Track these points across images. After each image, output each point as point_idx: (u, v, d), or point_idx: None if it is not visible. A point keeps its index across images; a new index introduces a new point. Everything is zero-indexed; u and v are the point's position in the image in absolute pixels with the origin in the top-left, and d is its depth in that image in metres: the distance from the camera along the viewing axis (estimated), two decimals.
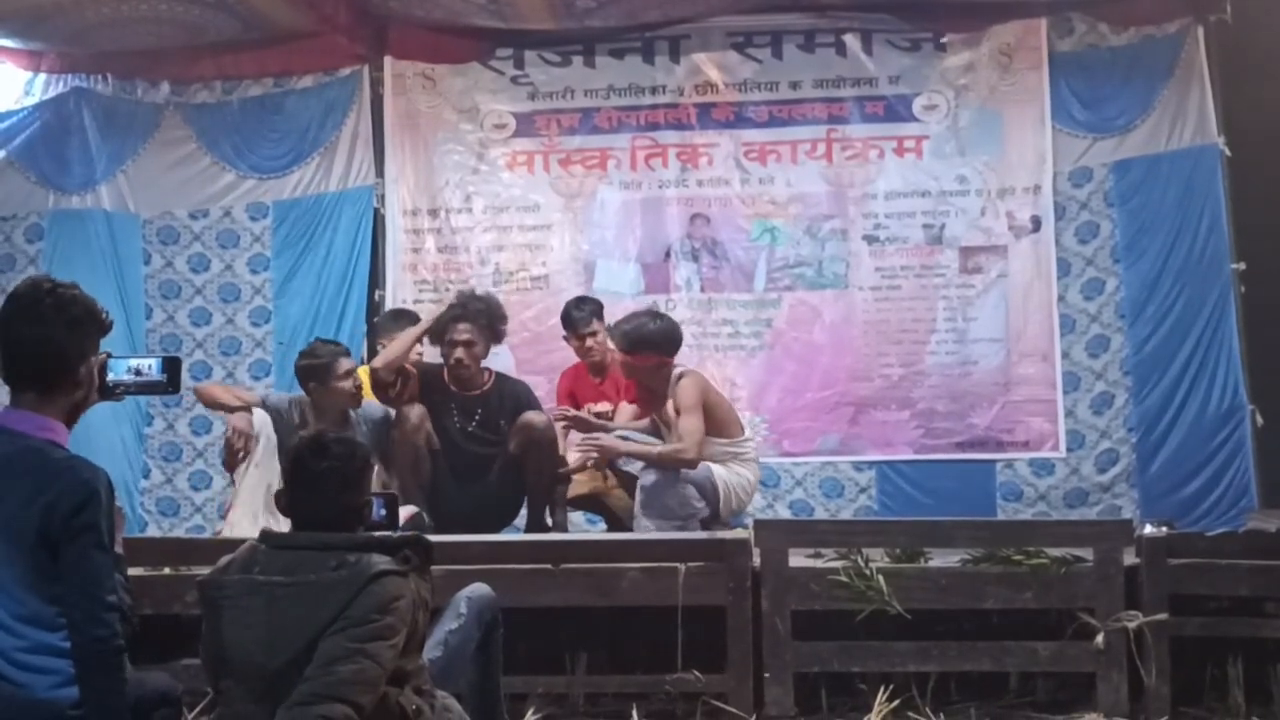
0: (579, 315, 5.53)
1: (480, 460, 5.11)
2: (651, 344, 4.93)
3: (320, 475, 2.75)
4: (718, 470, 4.90)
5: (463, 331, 5.09)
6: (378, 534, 2.82)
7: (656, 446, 4.90)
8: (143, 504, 6.53)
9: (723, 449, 4.94)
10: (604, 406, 5.49)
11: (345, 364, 5.03)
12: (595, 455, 4.97)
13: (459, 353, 5.08)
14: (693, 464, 4.79)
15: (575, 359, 5.71)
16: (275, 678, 2.57)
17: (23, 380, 2.56)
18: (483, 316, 5.16)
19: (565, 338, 5.65)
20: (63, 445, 2.54)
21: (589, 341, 5.50)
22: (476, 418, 5.13)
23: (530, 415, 5.09)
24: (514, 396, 5.21)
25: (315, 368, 4.99)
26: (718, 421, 4.93)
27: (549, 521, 5.20)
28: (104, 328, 2.61)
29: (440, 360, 5.23)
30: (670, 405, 4.93)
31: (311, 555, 2.66)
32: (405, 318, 5.78)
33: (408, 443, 5.00)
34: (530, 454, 5.05)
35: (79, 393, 2.57)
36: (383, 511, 3.01)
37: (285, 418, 5.03)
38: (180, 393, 3.96)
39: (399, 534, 2.87)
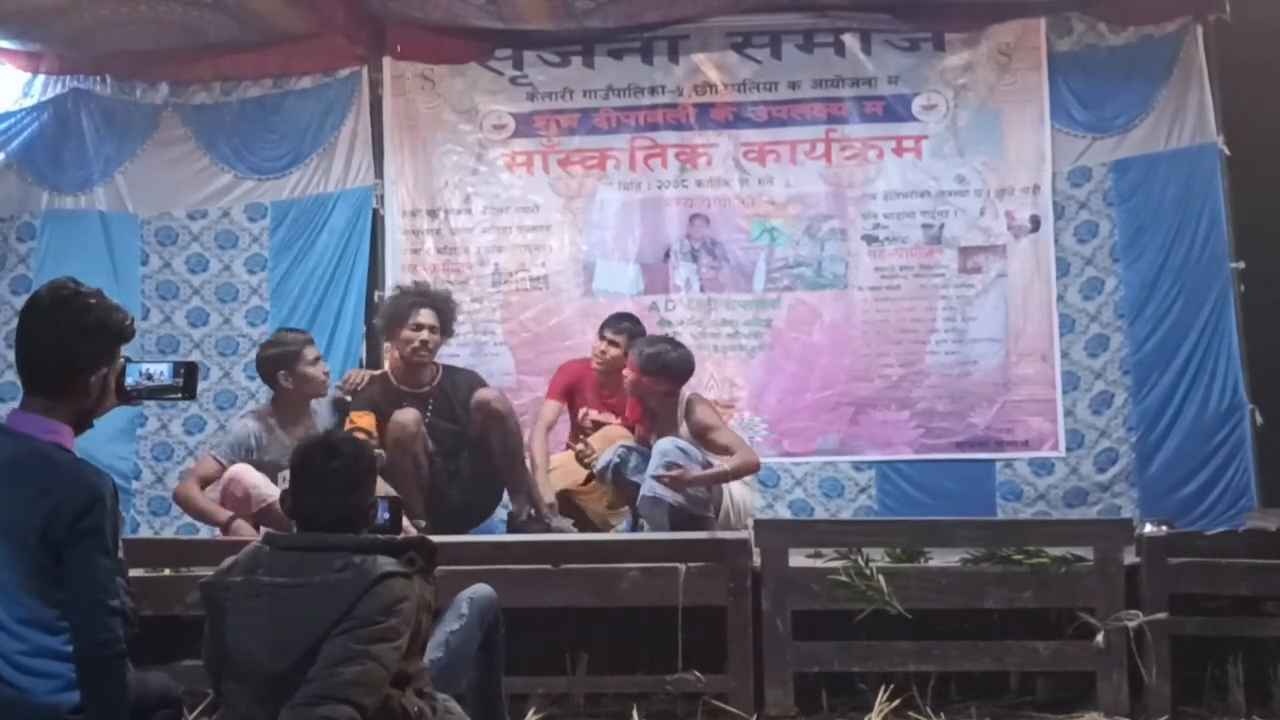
0: (614, 321, 5.55)
1: (446, 450, 5.09)
2: (668, 371, 5.03)
3: (329, 474, 2.75)
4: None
5: (427, 316, 5.09)
6: (382, 536, 2.82)
7: (723, 466, 4.89)
8: (134, 504, 6.51)
9: None
10: (607, 418, 5.45)
11: (312, 350, 5.07)
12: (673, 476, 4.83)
13: (423, 335, 5.07)
14: (757, 467, 5.03)
15: (577, 355, 5.71)
16: (279, 679, 2.57)
17: (33, 383, 2.57)
18: (444, 304, 5.18)
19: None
20: (69, 449, 2.53)
21: (604, 346, 5.48)
22: (429, 410, 5.11)
23: (484, 392, 5.11)
24: (466, 383, 5.24)
25: (286, 355, 5.01)
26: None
27: (531, 506, 5.16)
28: (122, 336, 2.60)
29: (371, 366, 5.26)
30: (685, 429, 5.02)
31: (316, 556, 2.65)
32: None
33: (406, 453, 4.94)
34: (493, 430, 5.05)
35: (87, 401, 2.56)
36: (386, 515, 3.01)
37: (253, 444, 4.98)
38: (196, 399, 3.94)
39: (403, 536, 2.87)
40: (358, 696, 2.51)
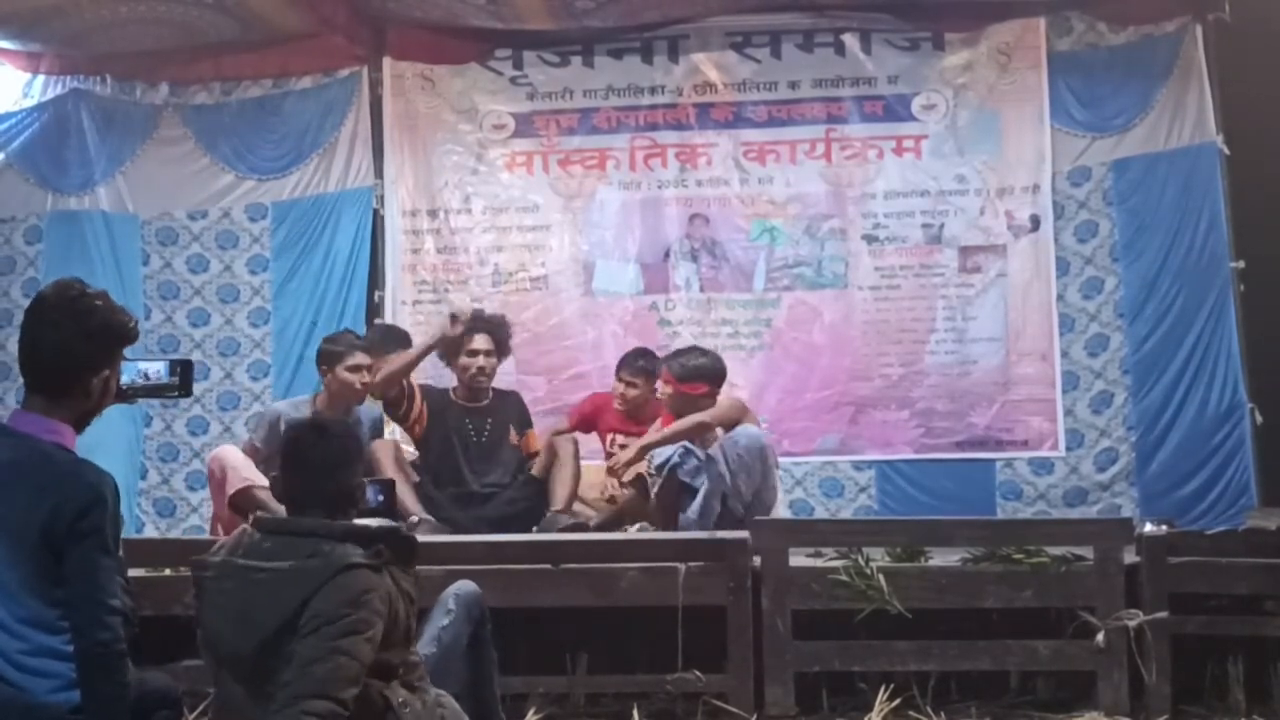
0: (629, 360, 5.67)
1: (498, 464, 5.28)
2: (702, 375, 5.21)
3: (315, 453, 2.75)
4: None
5: (482, 342, 5.30)
6: (358, 523, 2.78)
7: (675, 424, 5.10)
8: (139, 505, 6.52)
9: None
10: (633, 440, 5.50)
11: (358, 357, 5.20)
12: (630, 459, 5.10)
13: (480, 361, 5.29)
14: (708, 427, 5.10)
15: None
16: (247, 661, 2.61)
17: (35, 383, 2.57)
18: (498, 330, 5.38)
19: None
20: (70, 449, 2.54)
21: (623, 388, 5.60)
22: (488, 428, 5.32)
23: (560, 440, 5.29)
24: (515, 404, 5.48)
25: (332, 354, 5.21)
26: None
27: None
28: (126, 339, 2.61)
29: (439, 383, 5.44)
30: (720, 430, 5.14)
31: (291, 541, 2.66)
32: (393, 336, 5.83)
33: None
34: (560, 471, 5.23)
35: (88, 401, 2.57)
36: (380, 497, 2.99)
37: (280, 425, 5.04)
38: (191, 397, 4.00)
39: (378, 525, 2.84)
40: (334, 691, 2.50)
